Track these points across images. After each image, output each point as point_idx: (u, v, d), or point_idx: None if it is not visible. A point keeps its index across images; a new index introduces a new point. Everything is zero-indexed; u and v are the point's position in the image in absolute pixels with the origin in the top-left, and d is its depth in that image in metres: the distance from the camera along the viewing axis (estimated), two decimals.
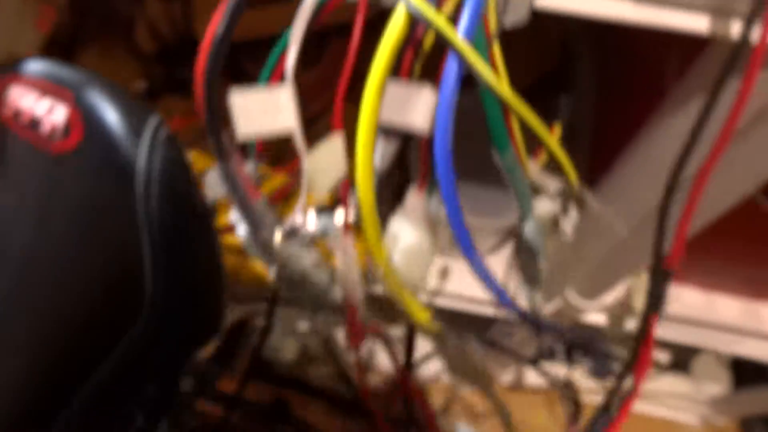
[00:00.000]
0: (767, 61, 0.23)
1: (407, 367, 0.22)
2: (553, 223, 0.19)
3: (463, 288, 0.58)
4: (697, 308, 0.55)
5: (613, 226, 0.18)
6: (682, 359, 0.81)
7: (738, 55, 0.20)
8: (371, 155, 0.16)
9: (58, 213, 0.20)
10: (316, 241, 0.20)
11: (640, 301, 0.35)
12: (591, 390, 0.80)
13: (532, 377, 0.70)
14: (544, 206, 0.19)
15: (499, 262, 0.57)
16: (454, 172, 0.16)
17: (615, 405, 0.26)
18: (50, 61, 0.22)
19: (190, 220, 0.20)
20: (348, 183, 0.18)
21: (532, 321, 0.18)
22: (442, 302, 0.59)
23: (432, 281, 0.57)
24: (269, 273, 0.23)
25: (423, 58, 0.16)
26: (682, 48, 0.27)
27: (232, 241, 0.23)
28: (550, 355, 0.78)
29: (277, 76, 0.17)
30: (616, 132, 0.33)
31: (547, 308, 0.56)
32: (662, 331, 0.60)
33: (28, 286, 0.20)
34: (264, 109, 0.16)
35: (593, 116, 0.50)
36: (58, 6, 0.55)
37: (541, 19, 0.17)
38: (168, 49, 0.53)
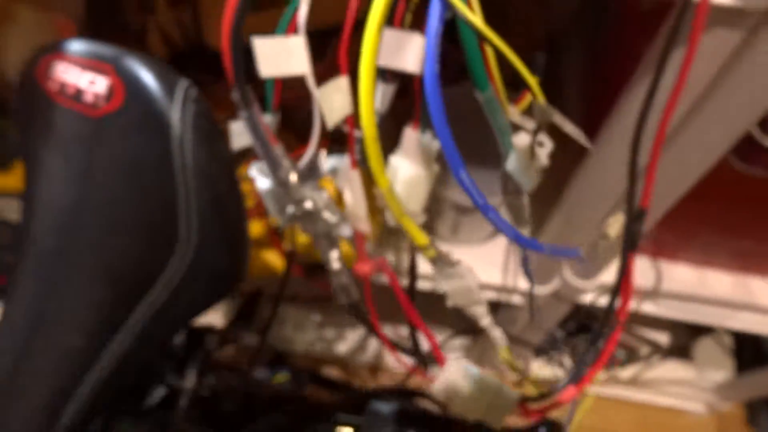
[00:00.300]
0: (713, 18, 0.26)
1: (411, 297, 0.24)
2: (531, 154, 0.21)
3: None
4: (690, 284, 0.58)
5: (580, 140, 0.20)
6: (684, 345, 0.82)
7: (684, 13, 0.23)
8: (372, 93, 0.19)
9: (102, 166, 0.23)
10: (327, 181, 0.23)
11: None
12: (595, 380, 0.82)
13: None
14: (522, 139, 0.22)
15: (499, 247, 0.60)
16: (444, 105, 0.19)
17: (602, 340, 0.28)
18: (88, 40, 0.25)
19: (217, 165, 0.23)
20: (353, 122, 0.21)
21: (528, 245, 0.21)
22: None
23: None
24: (282, 221, 0.26)
25: (413, 9, 0.19)
26: (657, 16, 0.30)
27: None
28: (552, 344, 0.80)
29: (292, 29, 0.20)
30: (607, 99, 0.36)
31: (546, 289, 0.59)
32: (658, 308, 0.63)
33: (79, 228, 0.24)
34: (281, 54, 0.19)
35: (586, 86, 0.53)
36: (75, 18, 0.59)
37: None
38: (179, 56, 0.57)
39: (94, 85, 0.24)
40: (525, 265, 0.28)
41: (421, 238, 0.21)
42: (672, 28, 0.24)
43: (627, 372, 0.82)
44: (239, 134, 0.23)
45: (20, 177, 0.62)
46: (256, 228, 0.48)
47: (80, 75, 0.25)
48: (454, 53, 0.46)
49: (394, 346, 0.26)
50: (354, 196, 0.22)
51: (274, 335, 0.67)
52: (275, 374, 0.39)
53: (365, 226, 0.22)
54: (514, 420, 0.33)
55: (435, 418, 0.34)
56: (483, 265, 0.59)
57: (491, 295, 0.61)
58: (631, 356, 0.80)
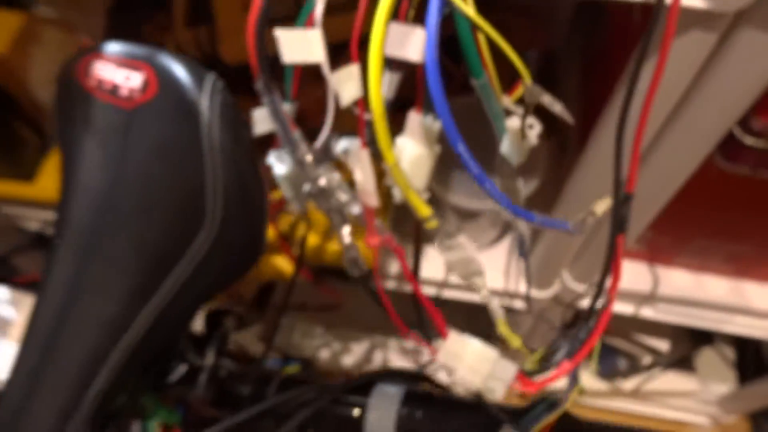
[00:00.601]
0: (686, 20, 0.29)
1: (415, 272, 0.26)
2: (522, 135, 0.24)
3: None
4: (687, 289, 0.60)
5: (566, 118, 0.23)
6: (685, 357, 0.83)
7: (658, 15, 0.26)
8: (380, 79, 0.22)
9: (137, 149, 0.26)
10: (340, 162, 0.25)
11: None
12: (599, 392, 0.83)
13: None
14: (514, 121, 0.24)
15: (501, 253, 0.62)
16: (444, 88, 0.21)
17: (593, 317, 0.30)
18: (123, 42, 0.28)
19: (241, 148, 0.25)
20: (363, 105, 0.23)
21: (522, 214, 0.23)
22: (450, 294, 0.63)
23: (437, 272, 0.62)
24: (297, 204, 0.29)
25: (415, 5, 0.22)
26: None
27: None
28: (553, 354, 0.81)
29: (310, 24, 0.23)
30: (601, 103, 0.39)
31: (546, 294, 0.61)
32: (656, 313, 0.64)
33: (114, 206, 0.26)
34: (300, 43, 0.22)
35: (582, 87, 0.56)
36: (97, 38, 0.62)
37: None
38: None
39: (129, 80, 0.27)
40: (521, 246, 0.30)
41: (425, 209, 0.24)
42: (648, 30, 0.27)
43: (629, 384, 0.83)
44: (261, 121, 0.25)
45: (42, 188, 0.65)
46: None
47: (116, 72, 0.28)
48: (456, 71, 0.49)
49: (399, 317, 0.28)
50: (363, 174, 0.24)
51: (282, 342, 0.69)
52: (286, 365, 0.41)
53: (374, 200, 0.24)
54: (517, 401, 0.35)
55: (441, 399, 0.36)
56: (486, 270, 0.61)
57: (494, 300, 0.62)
58: (633, 366, 0.81)
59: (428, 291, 0.61)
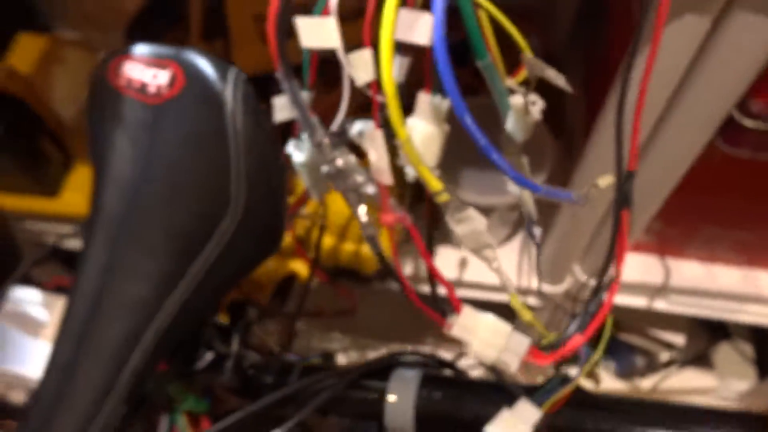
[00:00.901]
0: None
1: (429, 248, 0.28)
2: (525, 111, 0.26)
3: (481, 277, 0.64)
4: (698, 279, 0.60)
5: (564, 86, 0.24)
6: (702, 354, 0.83)
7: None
8: (391, 61, 0.23)
9: (165, 139, 0.28)
10: (355, 144, 0.27)
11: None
12: (617, 392, 0.83)
13: None
14: (518, 99, 0.26)
15: (513, 250, 0.63)
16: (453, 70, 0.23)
17: (602, 292, 0.31)
18: (151, 43, 0.30)
19: (263, 135, 0.27)
20: (376, 87, 0.25)
21: (527, 185, 0.24)
22: (461, 293, 0.64)
23: (451, 272, 0.63)
24: (315, 193, 0.30)
25: None
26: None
27: None
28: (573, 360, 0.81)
29: (326, 12, 0.25)
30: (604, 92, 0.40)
31: (558, 289, 0.62)
32: (669, 305, 0.65)
33: (144, 194, 0.28)
34: (318, 30, 0.24)
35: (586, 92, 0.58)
36: None
37: None
38: None
39: (156, 78, 0.29)
40: (529, 227, 0.32)
41: (436, 183, 0.25)
42: (642, 14, 0.28)
43: (647, 382, 0.83)
44: (281, 108, 0.27)
45: (66, 203, 0.68)
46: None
47: (144, 71, 0.30)
48: (462, 75, 0.51)
49: (414, 291, 0.30)
50: (377, 154, 0.26)
51: (300, 346, 0.70)
52: (306, 359, 0.43)
53: (388, 178, 0.26)
54: (531, 379, 0.36)
55: (458, 381, 0.37)
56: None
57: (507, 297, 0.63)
58: (651, 364, 0.82)
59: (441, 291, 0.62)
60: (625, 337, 0.77)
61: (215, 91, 0.27)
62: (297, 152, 0.29)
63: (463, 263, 0.63)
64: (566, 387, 0.32)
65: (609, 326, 0.33)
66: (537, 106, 0.25)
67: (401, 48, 0.25)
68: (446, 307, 0.29)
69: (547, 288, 0.61)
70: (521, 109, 0.26)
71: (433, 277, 0.29)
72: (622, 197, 0.30)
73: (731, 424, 0.34)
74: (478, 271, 0.63)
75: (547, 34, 0.65)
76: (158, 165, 0.28)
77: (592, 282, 0.58)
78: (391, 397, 0.35)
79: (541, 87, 0.26)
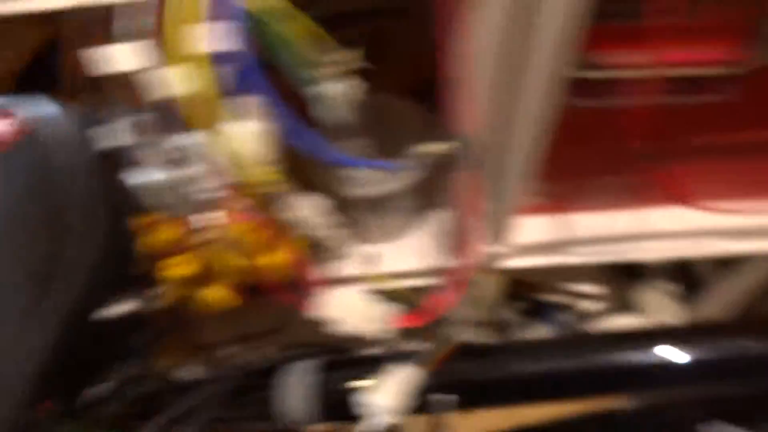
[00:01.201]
0: None
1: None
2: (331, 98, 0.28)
3: (396, 265, 0.65)
4: (596, 228, 0.64)
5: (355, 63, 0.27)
6: (625, 300, 0.87)
7: None
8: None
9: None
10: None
11: None
12: None
13: None
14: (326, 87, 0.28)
15: (415, 237, 0.65)
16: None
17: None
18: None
19: (104, 167, 0.29)
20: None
21: (345, 162, 0.27)
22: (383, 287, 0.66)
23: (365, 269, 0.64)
24: (179, 211, 0.32)
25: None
26: None
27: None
28: (505, 326, 0.84)
29: None
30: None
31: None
32: (574, 257, 0.68)
33: None
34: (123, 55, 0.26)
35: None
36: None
37: None
38: None
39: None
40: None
41: (266, 171, 0.27)
42: None
43: None
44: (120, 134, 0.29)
45: None
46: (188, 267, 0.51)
47: None
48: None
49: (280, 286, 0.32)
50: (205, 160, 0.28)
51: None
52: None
53: (228, 178, 0.28)
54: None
55: (347, 360, 0.38)
56: (413, 253, 0.63)
57: (424, 281, 0.65)
58: (581, 317, 0.85)
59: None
60: (548, 298, 0.80)
61: (54, 132, 0.28)
62: (149, 175, 0.31)
63: (375, 258, 0.65)
64: (447, 346, 0.35)
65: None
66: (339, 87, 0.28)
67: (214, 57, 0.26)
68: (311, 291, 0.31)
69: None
70: (330, 94, 0.28)
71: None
72: (463, 157, 0.33)
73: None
74: (391, 261, 0.65)
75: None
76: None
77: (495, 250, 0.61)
78: (281, 392, 0.36)
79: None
